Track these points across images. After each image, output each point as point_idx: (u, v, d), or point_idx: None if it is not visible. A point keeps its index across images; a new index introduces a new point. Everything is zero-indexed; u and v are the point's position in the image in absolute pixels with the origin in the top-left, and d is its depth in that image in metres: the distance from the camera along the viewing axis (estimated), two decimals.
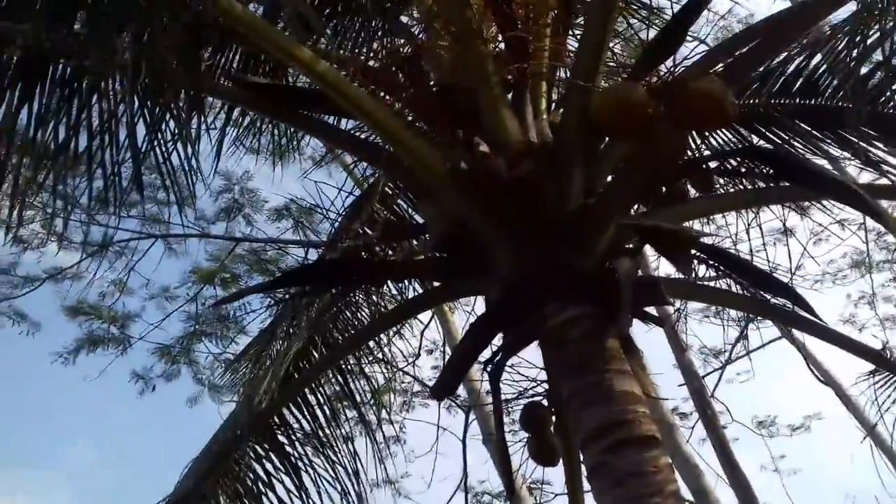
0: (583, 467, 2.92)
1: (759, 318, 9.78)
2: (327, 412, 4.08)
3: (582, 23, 3.67)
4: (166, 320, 11.03)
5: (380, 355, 4.57)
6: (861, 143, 4.06)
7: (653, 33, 4.25)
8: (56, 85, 3.06)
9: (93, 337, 11.03)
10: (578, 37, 3.43)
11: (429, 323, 9.77)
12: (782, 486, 11.83)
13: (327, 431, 3.86)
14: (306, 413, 3.96)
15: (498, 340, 3.32)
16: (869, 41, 3.56)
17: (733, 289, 3.90)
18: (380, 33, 4.54)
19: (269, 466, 3.58)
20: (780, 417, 12.68)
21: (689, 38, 3.42)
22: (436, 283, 3.73)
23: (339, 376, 4.37)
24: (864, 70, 3.86)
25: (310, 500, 3.55)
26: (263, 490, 3.51)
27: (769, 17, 3.49)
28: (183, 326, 11.16)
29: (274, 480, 3.54)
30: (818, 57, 4.09)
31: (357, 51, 4.39)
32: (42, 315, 11.66)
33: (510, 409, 3.34)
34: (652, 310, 3.38)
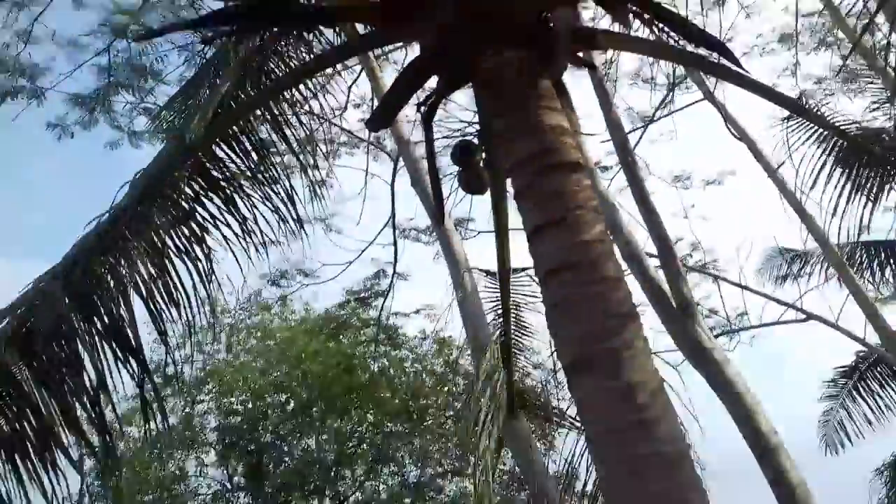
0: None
1: (687, 71, 9.94)
2: (262, 153, 4.03)
3: None
4: (79, 71, 10.44)
5: (308, 107, 4.47)
6: None
7: None
8: None
9: (3, 89, 10.45)
10: None
11: (357, 77, 9.56)
12: (690, 230, 13.07)
13: (261, 169, 3.83)
14: (238, 151, 3.89)
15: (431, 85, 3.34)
16: None
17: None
18: None
19: (210, 206, 3.58)
20: (696, 174, 13.27)
21: None
22: (371, 29, 3.63)
23: (270, 123, 4.29)
24: None
25: (249, 227, 3.58)
26: (194, 205, 3.49)
27: None
28: (97, 78, 10.62)
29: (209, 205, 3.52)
30: None
31: None
32: None
33: (441, 150, 3.43)
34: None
